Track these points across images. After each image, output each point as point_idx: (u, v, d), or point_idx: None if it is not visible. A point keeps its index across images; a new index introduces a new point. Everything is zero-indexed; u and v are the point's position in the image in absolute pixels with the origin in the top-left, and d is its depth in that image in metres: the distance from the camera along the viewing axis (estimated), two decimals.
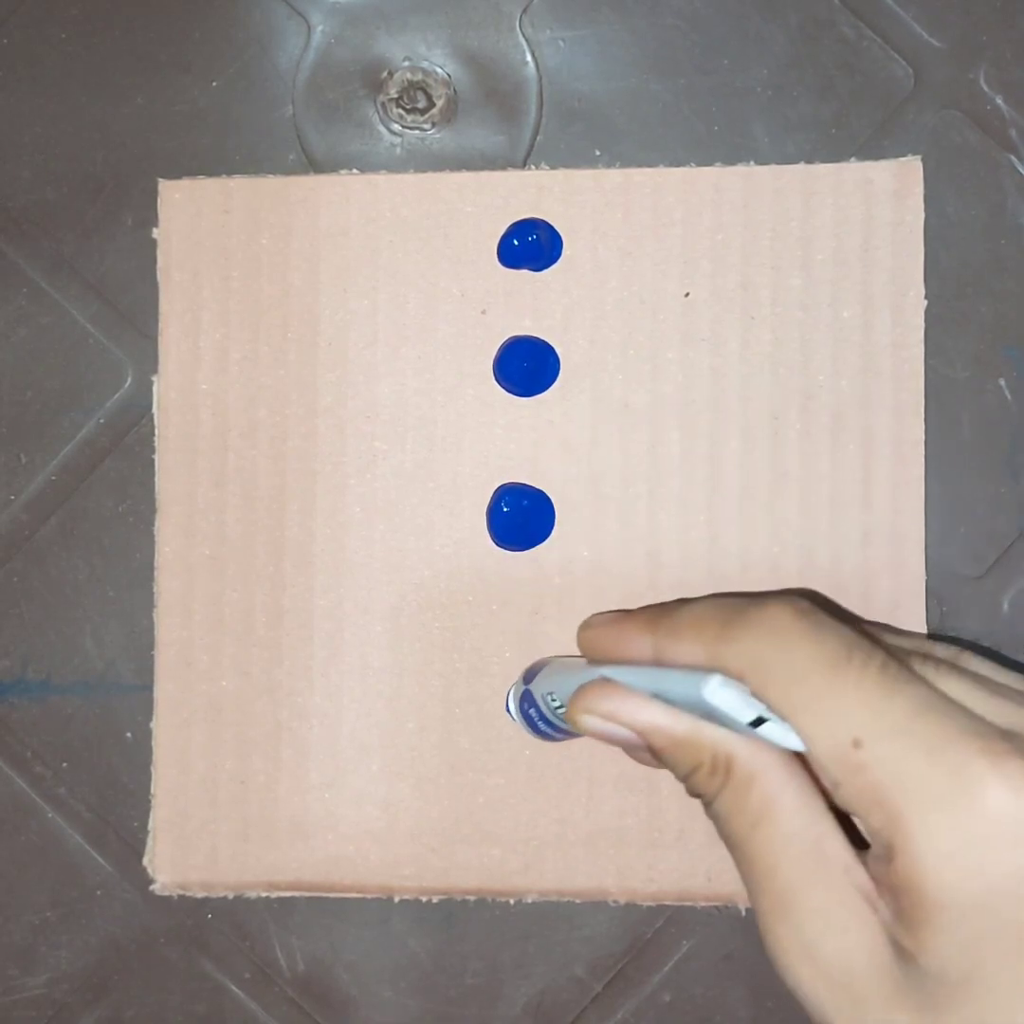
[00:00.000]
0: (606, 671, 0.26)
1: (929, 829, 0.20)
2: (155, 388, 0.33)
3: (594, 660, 0.28)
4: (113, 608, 0.34)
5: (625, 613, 0.28)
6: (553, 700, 0.29)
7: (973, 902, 0.20)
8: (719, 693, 0.23)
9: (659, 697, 0.25)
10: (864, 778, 0.21)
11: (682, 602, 0.26)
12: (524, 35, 0.34)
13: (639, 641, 0.26)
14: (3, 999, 0.34)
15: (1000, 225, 0.33)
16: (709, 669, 0.24)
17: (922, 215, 0.32)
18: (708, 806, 0.25)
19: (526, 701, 0.31)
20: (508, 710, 0.32)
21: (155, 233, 0.34)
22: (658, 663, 0.26)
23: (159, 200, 0.34)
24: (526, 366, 0.33)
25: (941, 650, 0.26)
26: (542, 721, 0.30)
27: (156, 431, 0.33)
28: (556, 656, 0.32)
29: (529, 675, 0.31)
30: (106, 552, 0.34)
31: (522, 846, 0.33)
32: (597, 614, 0.29)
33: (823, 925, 0.22)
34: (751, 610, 0.24)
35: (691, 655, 0.25)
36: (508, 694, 0.33)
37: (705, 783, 0.24)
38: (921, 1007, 0.21)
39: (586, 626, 0.28)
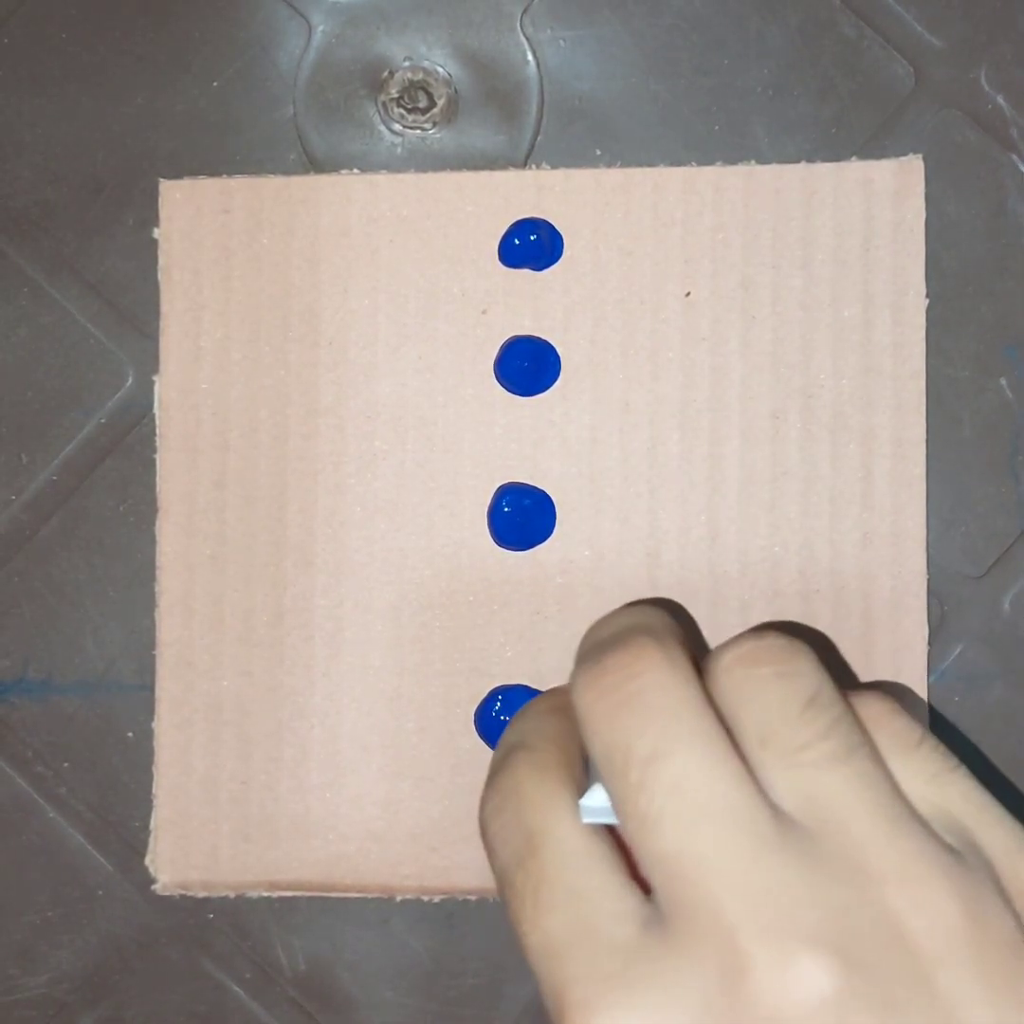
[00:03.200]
0: None
1: None
2: (156, 388, 0.33)
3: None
4: (114, 608, 0.34)
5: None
6: None
7: None
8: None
9: None
10: None
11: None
12: (525, 35, 0.34)
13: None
14: (3, 999, 0.34)
15: (1000, 225, 0.33)
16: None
17: (923, 215, 0.32)
18: None
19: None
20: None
21: (156, 233, 0.34)
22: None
23: (160, 200, 0.34)
24: (526, 366, 0.33)
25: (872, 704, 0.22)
26: None
27: (157, 431, 0.33)
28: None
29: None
30: (106, 552, 0.34)
31: None
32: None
33: None
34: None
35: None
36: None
37: None
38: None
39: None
